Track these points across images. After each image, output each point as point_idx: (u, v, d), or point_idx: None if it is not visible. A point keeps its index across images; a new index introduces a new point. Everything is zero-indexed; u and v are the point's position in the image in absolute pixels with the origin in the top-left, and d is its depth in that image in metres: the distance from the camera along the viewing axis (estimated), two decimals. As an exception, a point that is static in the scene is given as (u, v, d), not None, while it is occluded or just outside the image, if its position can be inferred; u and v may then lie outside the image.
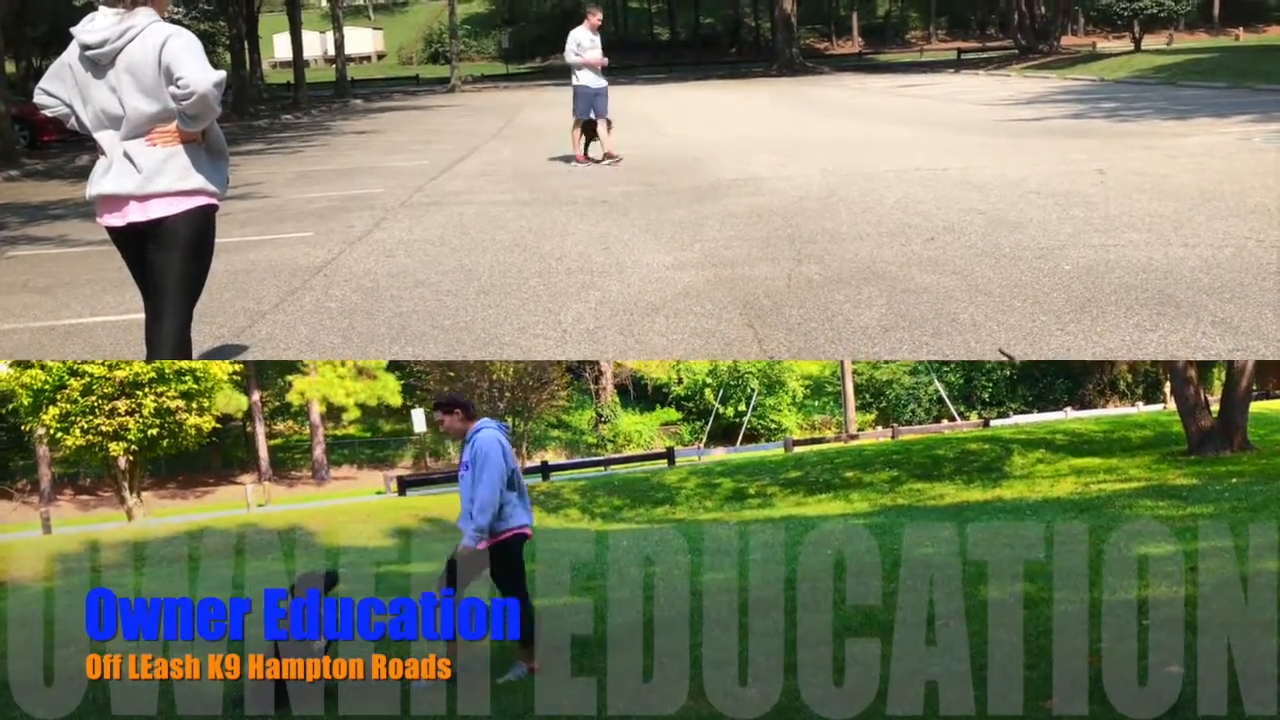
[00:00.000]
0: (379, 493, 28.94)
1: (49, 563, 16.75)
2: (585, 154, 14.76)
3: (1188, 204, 9.32)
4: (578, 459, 37.09)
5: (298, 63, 40.40)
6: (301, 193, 13.76)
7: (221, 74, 4.59)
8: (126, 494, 21.07)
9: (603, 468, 28.30)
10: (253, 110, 33.65)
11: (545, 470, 25.26)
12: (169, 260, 4.78)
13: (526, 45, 67.03)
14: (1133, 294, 6.79)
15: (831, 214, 9.73)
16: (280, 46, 58.35)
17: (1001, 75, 35.68)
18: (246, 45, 39.77)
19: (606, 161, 14.27)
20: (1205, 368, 32.74)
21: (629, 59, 60.55)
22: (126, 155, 4.60)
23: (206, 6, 41.24)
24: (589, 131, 14.64)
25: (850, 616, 6.38)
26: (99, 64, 4.49)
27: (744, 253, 8.43)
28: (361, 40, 67.74)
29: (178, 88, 4.42)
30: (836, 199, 10.51)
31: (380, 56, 68.74)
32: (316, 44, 57.01)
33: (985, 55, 48.34)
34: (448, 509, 20.12)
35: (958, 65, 45.18)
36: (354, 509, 21.01)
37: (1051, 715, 4.05)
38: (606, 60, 14.05)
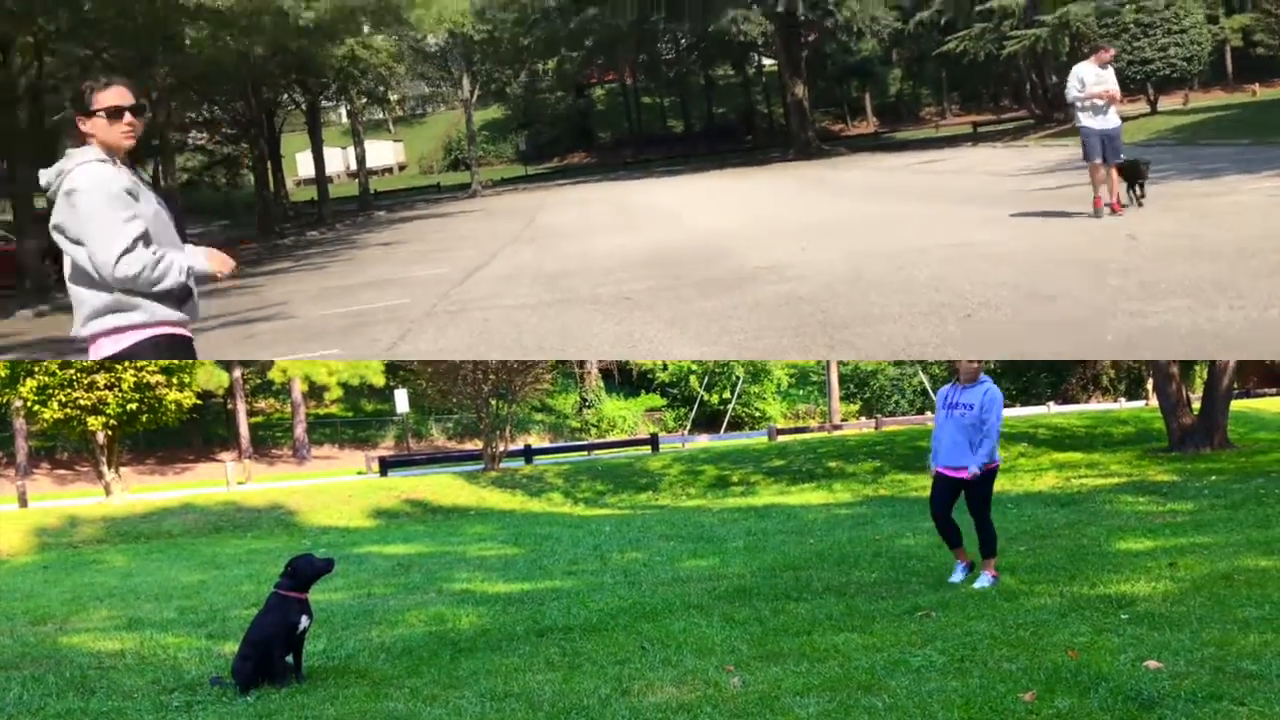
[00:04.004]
0: (360, 473, 28.87)
1: (26, 537, 16.62)
2: (1128, 201, 12.83)
3: (1226, 264, 8.91)
4: (561, 443, 37.13)
5: (321, 179, 41.12)
6: (327, 309, 13.51)
7: (119, 251, 3.70)
8: (105, 469, 20.90)
9: (586, 453, 28.32)
10: (278, 229, 34.46)
11: (528, 454, 25.24)
12: None
13: (543, 146, 68.64)
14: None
15: (862, 297, 9.32)
16: (303, 164, 59.17)
17: (1019, 146, 35.16)
18: (270, 166, 40.48)
19: (1108, 212, 12.41)
20: (1187, 366, 32.93)
21: (645, 153, 61.34)
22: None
23: (229, 131, 41.24)
24: (1128, 176, 12.84)
25: (832, 606, 6.40)
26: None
27: (775, 343, 8.10)
28: (383, 153, 68.67)
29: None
30: (865, 281, 10.13)
31: (402, 167, 69.68)
32: (338, 159, 57.30)
33: (1001, 127, 47.91)
34: (429, 490, 20.10)
35: (974, 139, 44.49)
36: (335, 489, 20.94)
37: (1031, 708, 4.06)
38: (1117, 93, 12.10)
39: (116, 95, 3.87)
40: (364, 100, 48.45)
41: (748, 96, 66.92)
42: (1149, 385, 26.07)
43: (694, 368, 43.54)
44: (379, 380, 38.09)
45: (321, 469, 35.36)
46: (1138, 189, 13.16)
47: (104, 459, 20.91)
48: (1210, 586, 6.07)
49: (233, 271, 4.08)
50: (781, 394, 45.73)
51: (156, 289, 3.84)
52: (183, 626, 7.41)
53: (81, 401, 19.50)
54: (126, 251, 3.72)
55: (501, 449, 23.43)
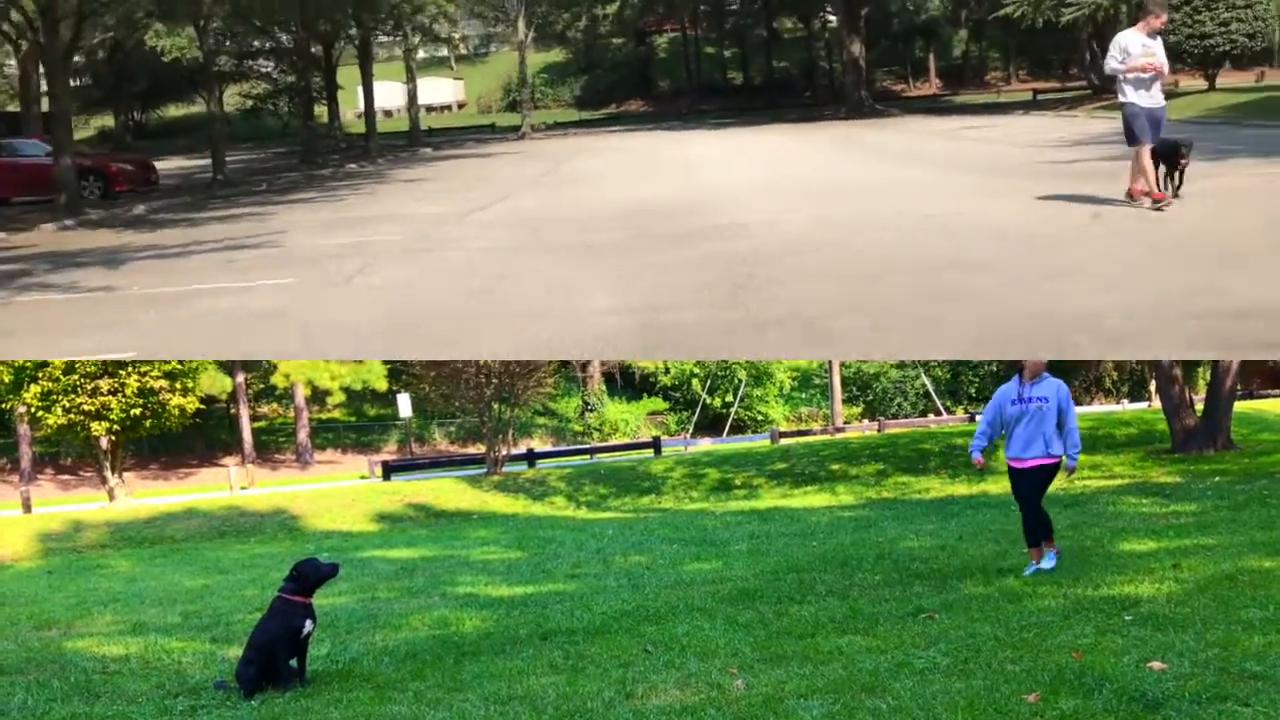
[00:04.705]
0: (363, 477, 28.87)
1: (30, 542, 16.64)
2: (1164, 189, 11.28)
3: (1156, 252, 8.83)
4: (563, 446, 37.11)
5: (369, 113, 41.72)
6: (317, 240, 13.99)
7: None
8: (108, 474, 20.92)
9: (589, 456, 28.32)
10: (320, 160, 34.95)
11: (531, 458, 25.25)
12: None
13: (601, 92, 68.29)
14: (996, 339, 6.70)
15: (796, 259, 9.70)
16: (364, 96, 59.77)
17: (1069, 116, 34.72)
18: (326, 97, 41.29)
19: (1148, 203, 11.01)
20: (1190, 367, 32.89)
21: (702, 104, 60.83)
22: None
23: (294, 59, 41.63)
24: (1165, 160, 11.33)
25: (835, 608, 6.39)
26: None
27: (685, 298, 8.28)
28: (442, 90, 68.70)
29: None
30: (808, 245, 10.44)
31: (461, 105, 69.44)
32: (399, 94, 57.27)
33: (1061, 96, 47.69)
34: (432, 494, 20.10)
35: (1029, 106, 44.21)
36: (338, 493, 20.95)
37: (1035, 709, 4.06)
38: (1164, 68, 10.52)
39: None
40: (419, 37, 48.51)
41: (810, 51, 65.87)
42: (1152, 387, 26.06)
43: (696, 371, 43.51)
44: (381, 385, 38.11)
45: (324, 473, 35.37)
46: (1176, 176, 11.69)
47: (108, 464, 20.93)
48: (1214, 588, 6.06)
49: None
50: (784, 397, 45.69)
51: None
52: (187, 631, 7.42)
53: (85, 407, 19.52)
54: None
55: (504, 453, 23.43)
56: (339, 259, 11.79)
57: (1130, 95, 10.49)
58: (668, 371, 44.24)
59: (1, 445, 36.67)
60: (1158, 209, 10.83)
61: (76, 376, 19.38)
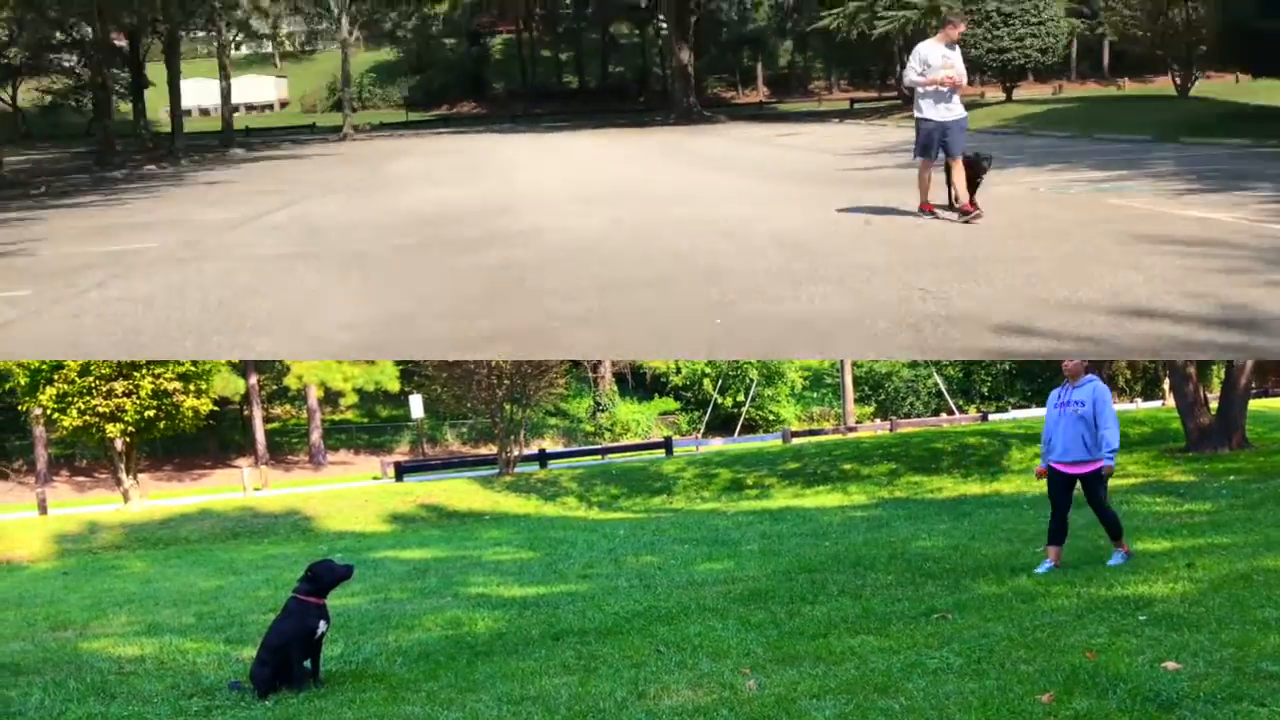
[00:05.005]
0: (376, 478, 28.96)
1: (46, 544, 16.75)
2: (964, 201, 10.96)
3: (904, 257, 8.87)
4: (575, 447, 37.14)
5: (175, 111, 39.69)
6: (76, 248, 13.08)
7: None
8: (123, 475, 21.04)
9: (600, 456, 28.33)
10: (119, 161, 32.90)
11: (543, 458, 25.27)
12: None
13: (434, 93, 66.87)
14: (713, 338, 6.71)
15: (569, 268, 9.52)
16: (184, 94, 57.42)
17: (880, 124, 36.78)
18: (132, 94, 39.47)
19: (959, 216, 10.74)
20: (1204, 366, 32.73)
21: (536, 107, 60.25)
22: None
23: (93, 55, 39.13)
24: (968, 171, 11.01)
25: (848, 608, 6.39)
26: None
27: (439, 308, 7.98)
28: (264, 89, 67.07)
29: None
30: (590, 253, 10.27)
31: (284, 105, 67.47)
32: (216, 91, 55.41)
33: (875, 105, 49.77)
34: (444, 495, 20.16)
35: (844, 115, 46.48)
36: (351, 494, 21.02)
37: (1048, 709, 4.05)
38: (962, 80, 10.39)
39: None
40: (235, 33, 46.76)
41: (644, 57, 66.22)
42: (1166, 385, 25.93)
43: (707, 370, 43.50)
44: (394, 386, 38.21)
45: (337, 474, 35.50)
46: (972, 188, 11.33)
47: (122, 466, 21.05)
48: (1229, 587, 6.03)
49: None
50: (796, 397, 45.63)
51: None
52: (201, 632, 7.46)
53: (100, 409, 19.64)
54: None
55: (516, 453, 23.47)
56: (88, 270, 10.91)
57: (927, 110, 10.47)
58: (679, 371, 44.24)
59: (18, 447, 36.93)
60: (966, 221, 10.59)
61: (92, 379, 19.51)
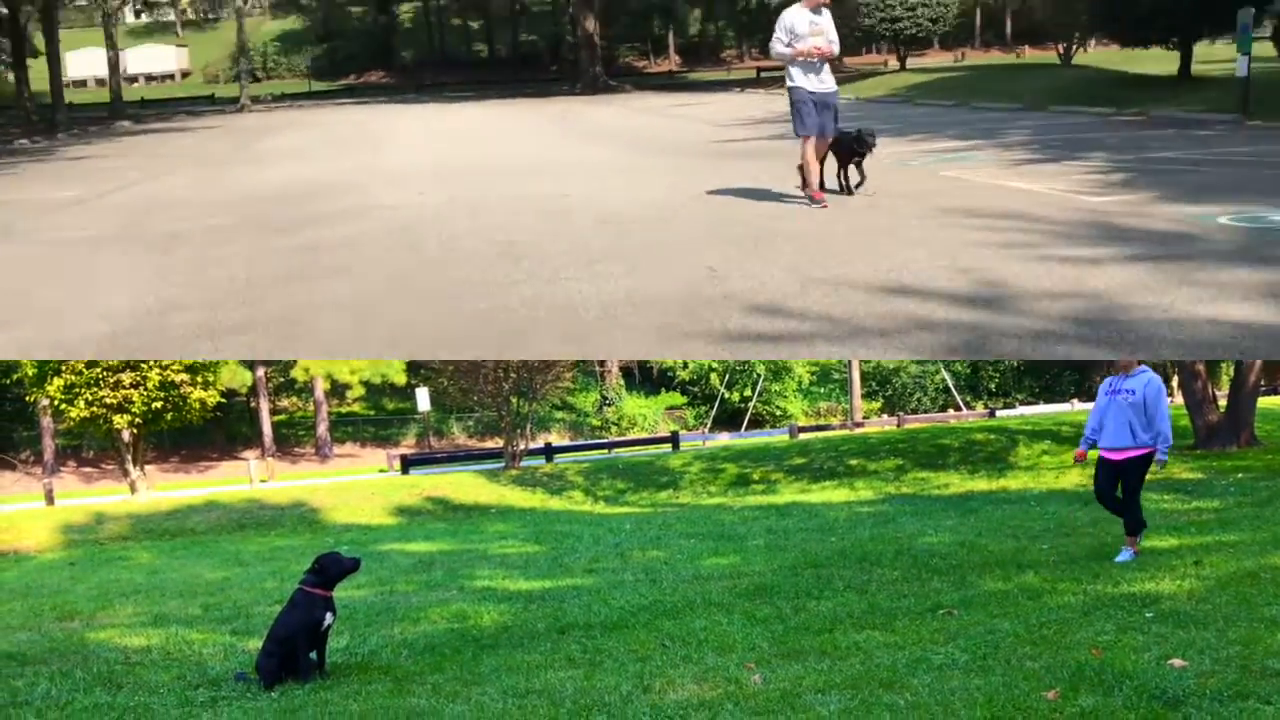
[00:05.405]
0: (382, 470, 29.02)
1: (53, 534, 16.81)
2: (845, 185, 10.61)
3: (694, 235, 8.68)
4: (581, 441, 37.19)
5: (55, 82, 38.30)
6: None
7: None
8: (130, 467, 21.10)
9: (606, 451, 28.35)
10: None
11: (549, 452, 25.30)
12: None
13: (341, 62, 65.00)
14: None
15: (370, 251, 9.26)
16: (77, 64, 54.16)
17: (779, 93, 37.01)
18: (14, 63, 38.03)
19: (813, 203, 10.10)
20: (1213, 363, 32.63)
21: (445, 76, 58.89)
22: None
23: None
24: (844, 152, 10.55)
25: (853, 604, 6.38)
26: None
27: (207, 296, 7.71)
28: (164, 58, 65.02)
29: None
30: (405, 233, 10.03)
31: (185, 75, 65.24)
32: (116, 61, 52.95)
33: (780, 74, 49.69)
34: (450, 488, 20.18)
35: (747, 84, 46.33)
36: (357, 486, 21.06)
37: (1054, 706, 4.04)
38: (833, 49, 9.67)
39: None
40: (121, 0, 45.09)
41: (556, 25, 64.78)
42: (1174, 382, 25.89)
43: (714, 365, 43.48)
44: (400, 379, 38.27)
45: (344, 467, 35.57)
46: (857, 170, 10.60)
47: (129, 457, 21.12)
48: (1236, 584, 6.01)
49: None
50: (803, 392, 45.60)
51: None
52: (208, 623, 7.48)
53: (107, 400, 19.69)
54: None
55: (522, 447, 23.49)
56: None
57: (798, 79, 9.71)
58: (686, 366, 44.22)
59: (25, 438, 37.07)
60: (819, 206, 10.00)
61: (99, 370, 19.56)
